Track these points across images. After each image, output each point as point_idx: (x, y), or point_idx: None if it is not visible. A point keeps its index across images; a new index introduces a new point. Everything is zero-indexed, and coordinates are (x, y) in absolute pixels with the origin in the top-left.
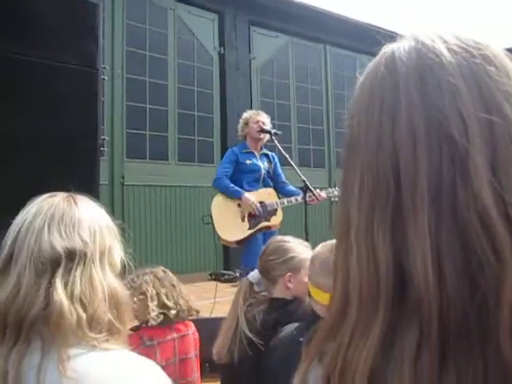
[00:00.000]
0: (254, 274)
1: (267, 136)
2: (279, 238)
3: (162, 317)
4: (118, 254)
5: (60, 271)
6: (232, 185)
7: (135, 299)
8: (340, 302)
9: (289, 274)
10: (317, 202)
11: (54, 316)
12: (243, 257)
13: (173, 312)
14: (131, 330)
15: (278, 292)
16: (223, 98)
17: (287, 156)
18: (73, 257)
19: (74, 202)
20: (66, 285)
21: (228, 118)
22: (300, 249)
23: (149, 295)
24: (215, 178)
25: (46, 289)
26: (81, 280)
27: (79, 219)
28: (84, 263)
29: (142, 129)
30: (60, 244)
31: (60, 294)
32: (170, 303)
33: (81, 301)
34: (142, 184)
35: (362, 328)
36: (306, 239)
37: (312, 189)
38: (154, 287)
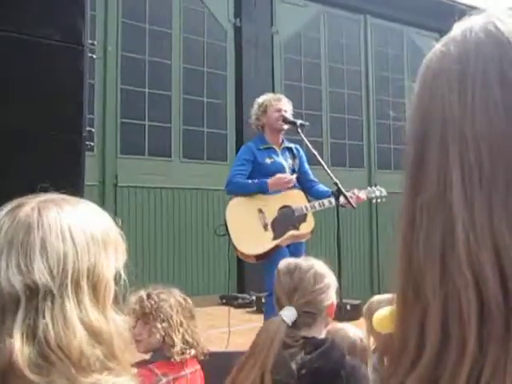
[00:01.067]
0: (289, 314)
1: (286, 127)
2: (302, 263)
3: (182, 355)
4: (109, 270)
5: (19, 315)
6: (249, 180)
7: (152, 325)
8: (417, 332)
9: (331, 302)
10: (352, 206)
11: (17, 371)
12: (265, 276)
13: (192, 352)
14: (142, 362)
15: (317, 329)
16: (239, 82)
17: (316, 153)
18: (35, 294)
19: (46, 213)
20: (28, 330)
21: (244, 106)
22: (329, 271)
23: (174, 324)
24: (228, 182)
25: (7, 337)
26: (52, 322)
27: (44, 240)
28: (52, 299)
29: (139, 118)
30: (18, 279)
31: (17, 344)
32: (190, 340)
33: (56, 347)
34: (139, 186)
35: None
36: (339, 253)
37: (346, 194)
38: (177, 315)
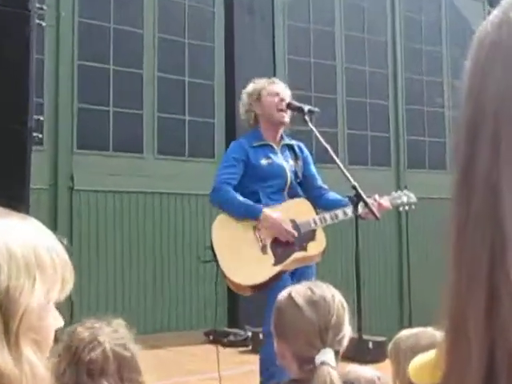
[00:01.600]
0: (330, 356)
1: (288, 118)
2: (323, 291)
3: None
4: (31, 299)
5: None
6: (240, 198)
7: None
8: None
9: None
10: (375, 216)
11: None
12: (267, 309)
13: None
14: None
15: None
16: (230, 57)
17: (329, 148)
18: None
19: None
20: None
21: (237, 87)
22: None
23: (108, 365)
24: (214, 189)
25: None
26: None
27: None
28: None
29: (102, 103)
30: None
31: None
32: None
33: None
34: (102, 189)
35: None
36: (357, 276)
37: (368, 201)
38: (110, 365)
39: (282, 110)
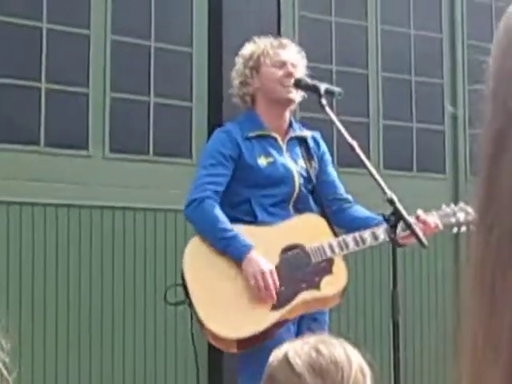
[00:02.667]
0: None
1: (299, 97)
2: (332, 353)
3: None
4: None
5: None
6: (223, 224)
7: None
8: None
9: None
10: (420, 241)
11: None
12: (247, 375)
13: None
14: None
15: None
16: (215, 12)
17: (355, 146)
18: None
19: None
20: None
21: (225, 57)
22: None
23: None
24: (190, 201)
25: None
26: None
27: None
28: None
29: (29, 78)
30: None
31: None
32: None
33: None
34: (27, 201)
35: None
36: (395, 324)
37: (410, 221)
38: None
39: (289, 86)
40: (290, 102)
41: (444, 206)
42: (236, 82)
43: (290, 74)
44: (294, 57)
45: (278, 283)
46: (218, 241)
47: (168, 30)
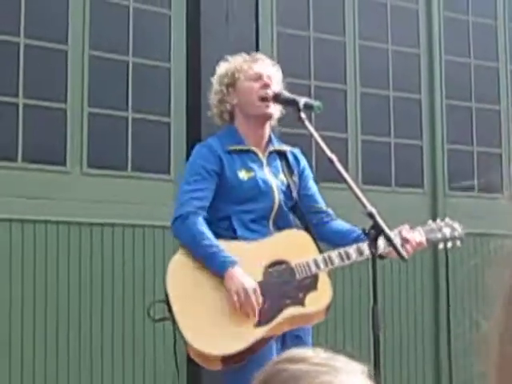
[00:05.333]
0: None
1: (277, 111)
2: (319, 362)
3: None
4: None
5: None
6: (207, 239)
7: None
8: None
9: None
10: (400, 256)
11: None
12: None
13: None
14: None
15: None
16: (193, 27)
17: (335, 160)
18: None
19: None
20: None
21: (203, 72)
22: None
23: None
24: (175, 217)
25: None
26: None
27: None
28: None
29: (5, 93)
30: None
31: None
32: None
33: None
34: (4, 218)
35: None
36: (375, 340)
37: (391, 235)
38: None
39: (265, 99)
40: (268, 117)
41: (430, 222)
42: (214, 102)
43: (266, 85)
44: (269, 69)
45: (260, 300)
46: (203, 256)
47: (146, 45)
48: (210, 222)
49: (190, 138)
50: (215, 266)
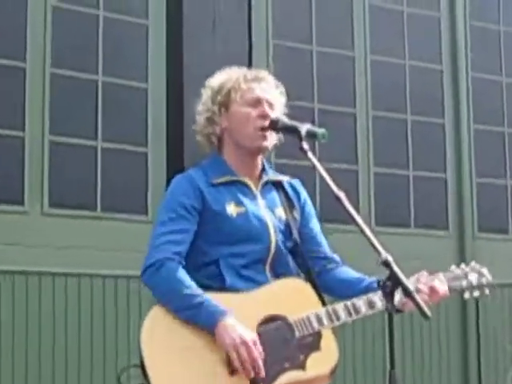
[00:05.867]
0: None
1: (274, 139)
2: None
3: None
4: None
5: None
6: (189, 285)
7: None
8: None
9: None
10: (422, 311)
11: None
12: None
13: None
14: None
15: None
16: (175, 39)
17: (342, 197)
18: None
19: None
20: None
21: (186, 93)
22: None
23: None
24: (147, 265)
25: None
26: None
27: None
28: None
29: None
30: None
31: None
32: None
33: None
34: None
35: None
36: None
37: (408, 286)
38: None
39: (263, 129)
40: (262, 150)
41: (453, 267)
42: (201, 119)
43: (264, 116)
44: (271, 94)
45: (263, 355)
46: (184, 310)
47: (119, 61)
48: (192, 269)
49: (171, 171)
50: (203, 320)
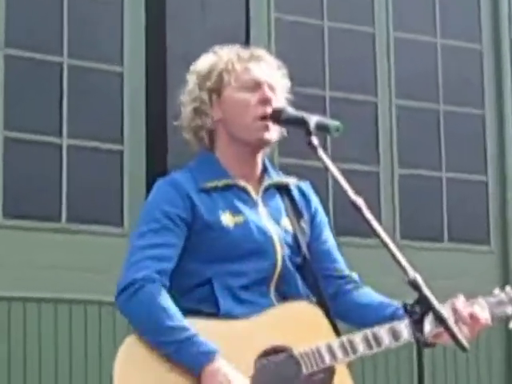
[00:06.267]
0: None
1: (276, 133)
2: None
3: None
4: None
5: None
6: (172, 314)
7: None
8: None
9: None
10: (459, 343)
11: None
12: None
13: None
14: None
15: None
16: (156, 19)
17: (361, 204)
18: None
19: None
20: None
21: (169, 77)
22: None
23: None
24: (123, 285)
25: None
26: None
27: None
28: None
29: None
30: None
31: None
32: None
33: None
34: None
35: None
36: None
37: (442, 312)
38: None
39: (264, 118)
40: (263, 143)
41: (496, 291)
42: (187, 111)
43: (266, 101)
44: (271, 75)
45: None
46: (165, 344)
47: (88, 41)
48: (179, 291)
49: (152, 174)
50: (186, 361)
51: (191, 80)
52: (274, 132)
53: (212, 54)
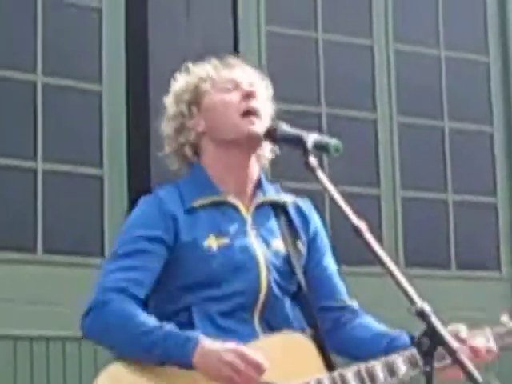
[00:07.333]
0: None
1: (262, 128)
2: None
3: None
4: None
5: None
6: (144, 320)
7: None
8: None
9: None
10: (470, 377)
11: None
12: None
13: None
14: None
15: None
16: (139, 33)
17: (362, 228)
18: None
19: None
20: None
21: (152, 95)
22: None
23: None
24: (88, 308)
25: None
26: None
27: None
28: None
29: None
30: None
31: None
32: None
33: None
34: None
35: None
36: None
37: (452, 343)
38: None
39: (249, 113)
40: (252, 138)
41: (505, 318)
42: (168, 133)
43: (248, 94)
44: (251, 75)
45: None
46: (146, 350)
47: (63, 56)
48: (159, 318)
49: (134, 200)
50: (174, 354)
51: (168, 101)
52: (260, 126)
53: (184, 72)
